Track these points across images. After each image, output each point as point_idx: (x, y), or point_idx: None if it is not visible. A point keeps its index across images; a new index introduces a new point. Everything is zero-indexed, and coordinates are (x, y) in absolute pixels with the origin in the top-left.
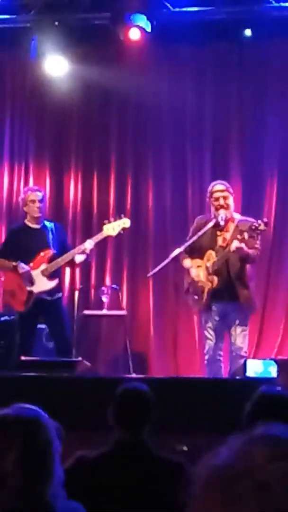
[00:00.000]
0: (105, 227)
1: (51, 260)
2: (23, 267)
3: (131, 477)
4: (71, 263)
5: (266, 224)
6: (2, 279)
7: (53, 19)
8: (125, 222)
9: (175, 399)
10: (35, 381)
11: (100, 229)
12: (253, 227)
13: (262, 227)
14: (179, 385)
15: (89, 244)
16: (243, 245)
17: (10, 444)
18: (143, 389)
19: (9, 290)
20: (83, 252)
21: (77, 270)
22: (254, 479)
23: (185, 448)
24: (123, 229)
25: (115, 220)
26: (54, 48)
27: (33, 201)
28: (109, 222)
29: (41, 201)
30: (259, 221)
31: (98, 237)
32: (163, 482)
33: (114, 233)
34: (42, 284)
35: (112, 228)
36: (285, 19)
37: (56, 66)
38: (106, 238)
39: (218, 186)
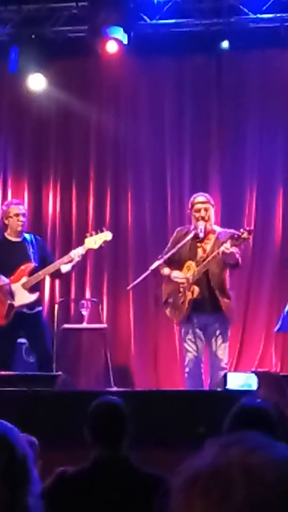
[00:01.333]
0: (86, 240)
1: (31, 273)
2: (3, 280)
3: (112, 492)
4: (57, 274)
5: (249, 232)
6: None
7: (30, 32)
8: (107, 235)
9: (156, 412)
10: (15, 396)
11: (80, 242)
12: (237, 236)
13: (245, 235)
14: (160, 398)
15: (78, 252)
16: (233, 249)
17: None
18: (116, 403)
19: None
20: (70, 261)
21: (57, 284)
22: (232, 475)
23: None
24: (105, 242)
25: (96, 233)
26: (31, 62)
27: (17, 215)
28: (91, 235)
29: (24, 215)
30: (242, 230)
31: (80, 250)
32: (145, 497)
33: (95, 246)
34: (23, 298)
35: (94, 241)
36: (262, 30)
37: (35, 79)
38: (87, 251)
39: (199, 197)
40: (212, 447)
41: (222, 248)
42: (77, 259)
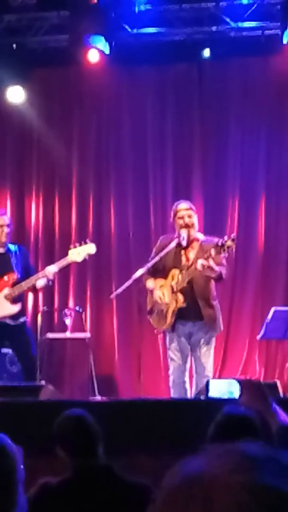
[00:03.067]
0: (70, 252)
1: (14, 284)
2: None
3: (96, 502)
4: (32, 288)
5: (233, 240)
6: None
7: (11, 42)
8: (90, 248)
9: (140, 420)
10: None
11: (63, 252)
12: (221, 244)
13: (229, 243)
14: (143, 406)
15: (51, 270)
16: (211, 262)
17: None
18: (79, 415)
19: None
20: (44, 276)
21: (40, 293)
22: (211, 491)
23: None
24: (88, 254)
25: (80, 245)
26: (13, 71)
27: (1, 226)
28: (74, 247)
29: (8, 225)
30: (226, 237)
31: (63, 262)
32: (129, 505)
33: (79, 258)
34: (5, 308)
35: (78, 253)
36: (242, 39)
37: (16, 89)
38: (70, 263)
39: (182, 205)
40: (202, 457)
41: (199, 263)
42: (50, 277)
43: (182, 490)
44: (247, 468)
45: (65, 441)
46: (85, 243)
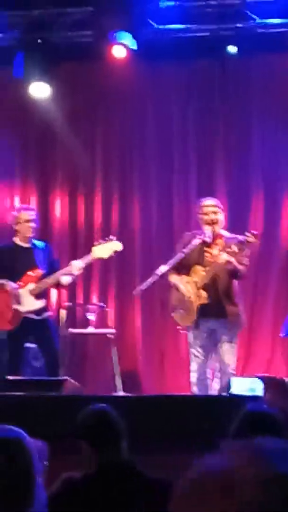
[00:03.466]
0: (94, 249)
1: (39, 280)
2: (11, 285)
3: (118, 498)
4: (57, 284)
5: (255, 236)
6: None
7: (37, 37)
8: (117, 246)
9: (162, 417)
10: (22, 401)
11: (87, 249)
12: (243, 240)
13: (251, 239)
14: (166, 403)
15: (77, 265)
16: (232, 259)
17: None
18: (103, 409)
19: None
20: (69, 273)
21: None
22: (233, 484)
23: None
24: (115, 252)
25: (105, 241)
26: (38, 67)
27: (28, 221)
28: (99, 243)
29: (34, 220)
30: (248, 234)
31: (88, 258)
32: (151, 501)
33: (105, 255)
34: (29, 304)
35: (102, 250)
36: (269, 35)
37: (41, 85)
38: (94, 260)
39: (208, 201)
40: (221, 452)
41: (221, 257)
42: (75, 272)
43: (200, 485)
44: (263, 461)
45: (88, 435)
46: (110, 240)
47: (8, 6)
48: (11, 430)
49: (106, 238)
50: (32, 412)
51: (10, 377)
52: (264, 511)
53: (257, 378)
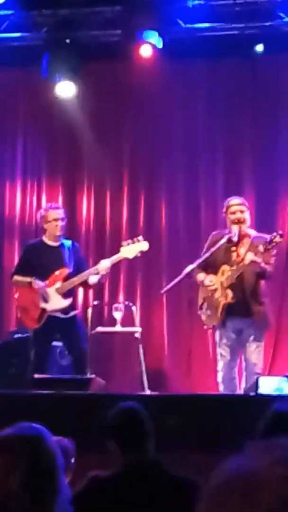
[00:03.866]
0: (122, 249)
1: (66, 278)
2: (38, 283)
3: (145, 497)
4: (85, 284)
5: (281, 236)
6: (16, 295)
7: (64, 37)
8: (144, 245)
9: (189, 416)
10: (49, 399)
11: (114, 248)
12: (269, 240)
13: (277, 239)
14: (193, 402)
15: (105, 265)
16: (259, 259)
17: (15, 464)
18: (133, 408)
19: (22, 306)
20: (97, 273)
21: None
22: (263, 484)
23: None
24: (141, 252)
25: (133, 242)
26: (65, 66)
27: (56, 220)
28: (127, 244)
29: (63, 219)
30: (274, 234)
31: (115, 258)
32: (178, 501)
33: (131, 255)
34: (56, 302)
35: (130, 250)
36: None
37: (68, 84)
38: (121, 260)
39: (235, 200)
40: (247, 453)
41: (247, 258)
42: (103, 272)
43: (226, 486)
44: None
45: (117, 433)
46: (138, 240)
47: (36, 6)
48: (32, 428)
49: (134, 239)
50: (59, 410)
51: (37, 376)
52: None
53: (285, 378)
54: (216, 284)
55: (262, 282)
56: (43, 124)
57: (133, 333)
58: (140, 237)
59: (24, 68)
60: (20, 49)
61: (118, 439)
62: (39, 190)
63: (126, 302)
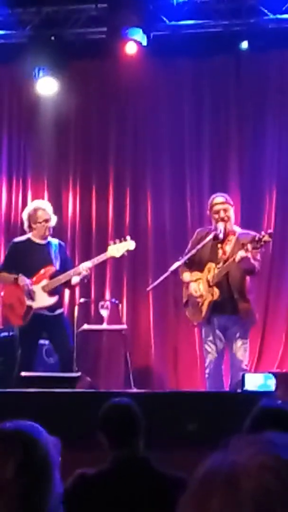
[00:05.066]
0: (109, 248)
1: (52, 276)
2: (24, 280)
3: (132, 493)
4: (68, 284)
5: (270, 235)
6: (2, 293)
7: (49, 34)
8: (130, 244)
9: (175, 413)
10: (36, 397)
11: (100, 246)
12: (258, 239)
13: (266, 238)
14: (179, 399)
15: (85, 265)
16: (249, 255)
17: (9, 456)
18: (126, 403)
19: (8, 303)
20: (78, 273)
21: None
22: (243, 478)
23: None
24: (127, 251)
25: (120, 241)
26: (50, 63)
27: (47, 220)
28: (114, 243)
29: (51, 220)
30: (263, 233)
31: (102, 257)
32: (165, 498)
33: (118, 254)
34: (42, 300)
35: (117, 249)
36: (282, 31)
37: (53, 82)
38: (107, 258)
39: (218, 198)
40: (230, 447)
41: (238, 255)
42: (84, 273)
43: (209, 477)
44: (269, 451)
45: (109, 429)
46: (125, 239)
47: (20, 3)
48: (25, 424)
49: (122, 238)
50: (45, 408)
51: (24, 374)
52: (276, 499)
53: (270, 374)
54: (200, 291)
55: (248, 279)
56: (28, 121)
57: (119, 330)
58: (128, 237)
59: (9, 65)
60: (4, 46)
61: (108, 433)
62: (24, 189)
63: (113, 300)
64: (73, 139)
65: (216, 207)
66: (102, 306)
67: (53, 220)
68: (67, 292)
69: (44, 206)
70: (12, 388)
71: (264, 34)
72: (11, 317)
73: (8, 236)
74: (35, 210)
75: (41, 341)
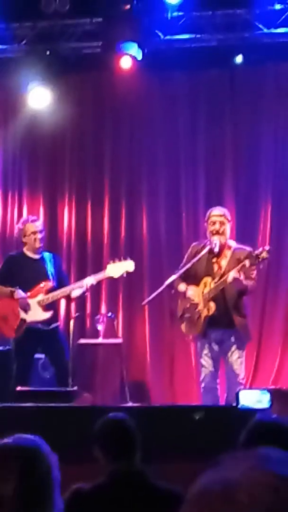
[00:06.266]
0: (108, 266)
1: (49, 291)
2: (20, 293)
3: (129, 508)
4: (67, 297)
5: (268, 252)
6: None
7: (44, 48)
8: (130, 266)
9: (171, 427)
10: (32, 412)
11: (95, 258)
12: (255, 255)
13: (264, 254)
14: (175, 412)
15: (89, 282)
16: (242, 276)
17: (8, 473)
18: (122, 418)
19: (2, 315)
20: (81, 286)
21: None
22: (238, 493)
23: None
24: (127, 272)
25: (119, 260)
26: (45, 78)
27: (34, 233)
28: (114, 262)
29: (41, 231)
30: (261, 249)
31: (100, 276)
32: (162, 511)
33: (116, 275)
34: (36, 314)
35: (115, 269)
36: (276, 45)
37: (48, 96)
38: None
39: (216, 211)
40: (225, 462)
41: (230, 276)
42: (85, 288)
43: (204, 493)
44: (264, 466)
45: (105, 443)
46: (124, 259)
47: (16, 18)
48: (27, 439)
49: (122, 258)
50: (42, 423)
51: (20, 388)
52: None
53: (265, 390)
54: (197, 298)
55: (244, 296)
56: (23, 135)
57: (115, 344)
58: (128, 257)
59: (4, 79)
60: (0, 61)
61: (104, 448)
62: (20, 202)
63: (109, 314)
64: (68, 153)
65: (213, 218)
66: (98, 320)
67: (43, 232)
68: (62, 306)
69: (31, 219)
70: (8, 402)
71: (258, 48)
72: (4, 329)
73: (4, 250)
74: (23, 224)
75: (37, 355)
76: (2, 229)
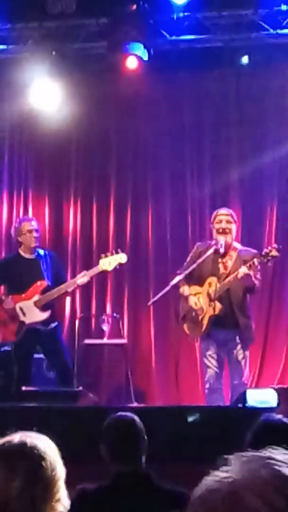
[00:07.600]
0: (101, 261)
1: (44, 291)
2: (8, 303)
3: (134, 508)
4: (64, 294)
5: (278, 250)
6: None
7: (50, 49)
8: (122, 258)
9: (176, 427)
10: (36, 412)
11: (98, 260)
12: (265, 253)
13: (274, 253)
14: (180, 413)
15: (82, 279)
16: (251, 272)
17: (14, 472)
18: (130, 418)
19: (1, 319)
20: (75, 284)
21: (78, 299)
22: (244, 495)
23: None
24: (119, 264)
25: (111, 254)
26: (51, 78)
27: (30, 231)
28: (106, 256)
29: (37, 230)
30: (270, 247)
31: (94, 271)
32: None
33: (109, 268)
34: (34, 315)
35: (108, 262)
36: (282, 46)
37: (54, 96)
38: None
39: (222, 210)
40: (231, 463)
41: (241, 271)
42: (82, 282)
43: (210, 494)
44: (270, 467)
45: (112, 442)
46: (117, 252)
47: (21, 18)
48: (33, 436)
49: (113, 251)
50: (46, 423)
51: (24, 388)
52: None
53: (271, 389)
54: (200, 304)
55: (248, 296)
56: (29, 136)
57: (120, 344)
58: (119, 250)
59: (10, 79)
60: (6, 61)
61: (111, 447)
62: (25, 202)
63: (114, 314)
64: (74, 153)
65: (219, 217)
66: (103, 321)
67: (38, 231)
68: (68, 306)
69: (26, 218)
70: (12, 402)
71: (264, 49)
72: (4, 333)
73: (10, 251)
74: (19, 223)
75: (41, 356)
76: (8, 230)
